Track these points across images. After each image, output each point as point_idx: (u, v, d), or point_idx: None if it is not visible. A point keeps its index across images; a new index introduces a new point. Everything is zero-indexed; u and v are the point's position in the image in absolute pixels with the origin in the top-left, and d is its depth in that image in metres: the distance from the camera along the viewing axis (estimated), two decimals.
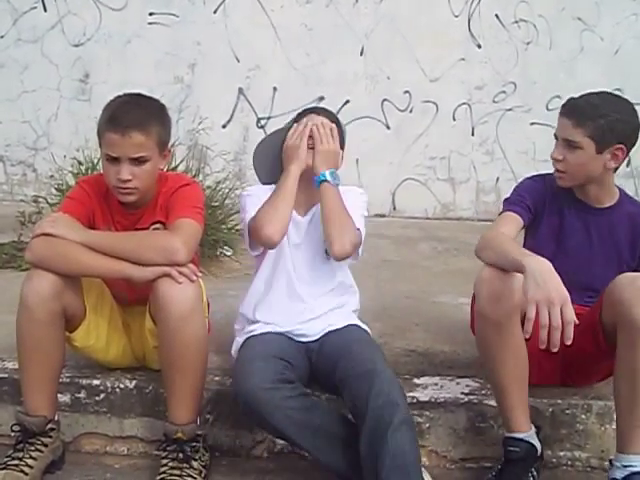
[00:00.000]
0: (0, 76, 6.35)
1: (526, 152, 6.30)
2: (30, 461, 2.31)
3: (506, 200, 2.61)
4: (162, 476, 2.30)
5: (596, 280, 2.53)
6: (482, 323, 2.28)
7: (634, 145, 2.45)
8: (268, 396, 2.18)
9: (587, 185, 2.51)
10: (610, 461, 2.30)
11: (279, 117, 6.23)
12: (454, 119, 6.44)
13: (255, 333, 2.53)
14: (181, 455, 2.33)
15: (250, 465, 2.50)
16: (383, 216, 6.36)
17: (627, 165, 6.46)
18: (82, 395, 2.62)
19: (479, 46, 6.35)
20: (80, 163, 4.43)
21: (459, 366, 2.82)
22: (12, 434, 2.40)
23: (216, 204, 4.62)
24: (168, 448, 2.35)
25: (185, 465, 2.32)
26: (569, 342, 1.98)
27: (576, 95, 2.46)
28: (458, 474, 2.57)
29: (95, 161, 4.27)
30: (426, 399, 2.59)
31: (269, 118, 6.33)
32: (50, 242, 2.29)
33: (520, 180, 2.70)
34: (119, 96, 2.44)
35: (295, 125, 2.60)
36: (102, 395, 2.62)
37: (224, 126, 6.34)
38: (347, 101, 6.20)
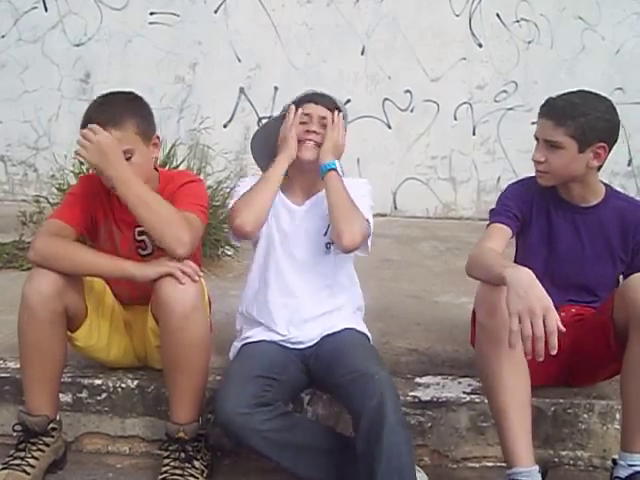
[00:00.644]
0: (1, 76, 6.35)
1: (527, 151, 6.16)
2: (32, 461, 2.31)
3: (492, 211, 2.59)
4: (164, 476, 2.30)
5: (592, 279, 2.54)
6: (481, 336, 2.25)
7: (615, 143, 2.42)
8: (243, 421, 2.15)
9: (570, 184, 2.48)
10: (613, 460, 2.29)
11: None
12: (455, 118, 6.44)
13: (250, 340, 2.52)
14: (183, 455, 2.33)
15: (251, 465, 2.49)
16: (384, 215, 6.35)
17: (628, 164, 6.47)
18: (84, 395, 2.62)
19: (480, 45, 6.35)
20: (81, 163, 4.42)
21: (461, 365, 2.82)
22: (14, 434, 2.40)
23: (217, 203, 4.62)
24: (170, 448, 2.35)
25: (187, 465, 2.32)
26: (554, 352, 1.96)
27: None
28: (460, 474, 2.57)
29: None
30: (428, 398, 2.59)
31: (270, 117, 6.30)
32: (53, 241, 2.30)
33: (504, 187, 2.69)
34: (94, 100, 2.44)
35: (289, 113, 2.60)
36: (104, 395, 2.62)
37: (225, 125, 6.34)
38: (348, 100, 6.19)
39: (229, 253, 4.51)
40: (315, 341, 2.51)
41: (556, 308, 2.01)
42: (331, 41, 6.26)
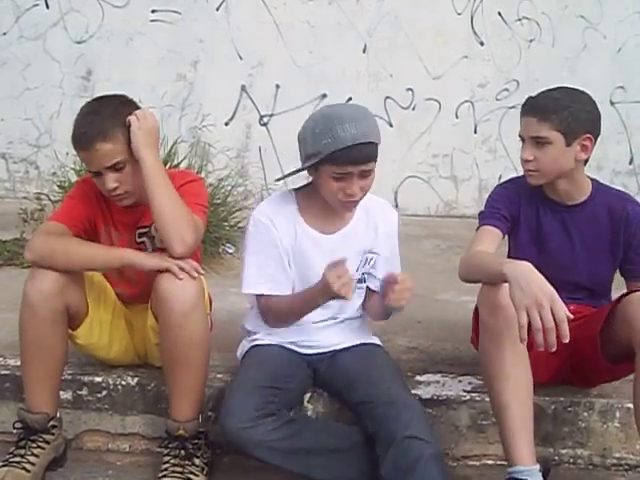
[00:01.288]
0: (2, 73, 6.34)
1: None
2: (32, 458, 2.31)
3: (481, 214, 2.59)
4: (164, 473, 2.30)
5: (585, 277, 2.54)
6: (484, 335, 2.25)
7: (599, 135, 2.43)
8: (247, 435, 2.13)
9: (557, 181, 2.47)
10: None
11: (282, 114, 6.23)
12: (457, 117, 6.43)
13: (259, 343, 2.50)
14: (183, 452, 2.33)
15: (252, 462, 2.48)
16: None
17: (630, 163, 6.45)
18: (84, 392, 2.63)
19: (482, 44, 6.34)
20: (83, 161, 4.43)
21: (461, 364, 2.82)
22: (14, 431, 2.40)
23: (218, 201, 4.63)
24: (170, 445, 2.35)
25: (187, 462, 2.32)
26: (566, 340, 1.95)
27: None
28: (460, 472, 2.57)
29: None
30: (428, 397, 2.59)
31: (272, 115, 6.32)
32: (49, 239, 2.30)
33: (492, 189, 2.69)
34: (82, 107, 2.40)
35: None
36: (104, 392, 2.62)
37: (227, 123, 6.34)
38: (349, 99, 6.18)
39: (230, 251, 4.52)
40: (326, 349, 2.49)
41: None
42: (333, 39, 6.25)
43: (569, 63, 6.30)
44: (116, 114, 2.33)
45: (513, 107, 6.29)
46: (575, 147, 2.39)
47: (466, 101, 6.42)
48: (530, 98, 2.45)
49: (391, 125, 6.36)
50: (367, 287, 2.53)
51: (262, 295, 2.40)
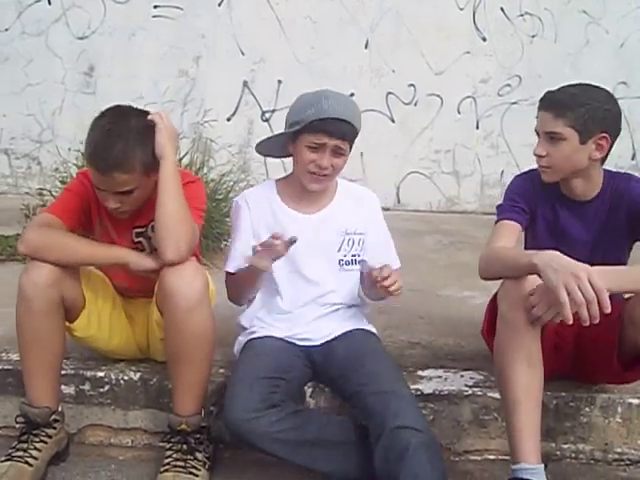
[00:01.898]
0: (5, 69, 6.35)
1: (531, 145, 6.11)
2: (34, 452, 2.32)
3: (499, 207, 2.57)
4: (166, 467, 2.30)
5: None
6: (502, 329, 2.23)
7: (618, 134, 2.40)
8: (252, 426, 2.14)
9: (573, 179, 2.45)
10: None
11: (284, 110, 6.19)
12: (459, 112, 6.44)
13: (255, 336, 2.51)
14: (185, 447, 2.33)
15: (253, 456, 2.49)
16: (387, 209, 6.34)
17: (632, 158, 6.46)
18: (86, 387, 2.63)
19: (484, 39, 6.34)
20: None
21: (463, 359, 2.82)
22: (16, 425, 2.41)
23: (220, 197, 4.62)
24: (172, 440, 2.35)
25: (189, 456, 2.32)
26: (608, 310, 1.93)
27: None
28: (462, 467, 2.57)
29: None
30: (430, 391, 2.59)
31: (273, 111, 6.33)
32: (44, 232, 2.30)
33: (510, 180, 2.66)
34: (101, 118, 2.32)
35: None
36: (106, 387, 2.62)
37: (229, 119, 6.34)
38: (352, 94, 6.17)
39: None
40: (323, 340, 2.50)
41: None
42: (335, 35, 6.26)
43: (571, 59, 6.29)
44: (139, 142, 2.26)
45: (515, 103, 6.30)
46: (590, 146, 2.34)
47: (468, 97, 6.42)
48: (548, 92, 2.41)
49: (393, 121, 6.37)
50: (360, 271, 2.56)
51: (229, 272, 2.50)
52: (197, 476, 2.29)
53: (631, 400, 2.59)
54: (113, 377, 2.62)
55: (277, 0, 6.25)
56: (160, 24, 6.25)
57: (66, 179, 4.55)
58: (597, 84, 2.42)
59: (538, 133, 2.44)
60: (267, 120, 6.34)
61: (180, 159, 4.54)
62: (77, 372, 2.63)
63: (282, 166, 6.10)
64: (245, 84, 6.35)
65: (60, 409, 2.45)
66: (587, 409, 2.60)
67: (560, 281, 1.97)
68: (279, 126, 6.33)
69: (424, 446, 2.10)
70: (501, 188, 6.33)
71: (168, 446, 2.35)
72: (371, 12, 6.26)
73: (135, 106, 2.40)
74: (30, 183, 6.25)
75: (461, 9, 6.29)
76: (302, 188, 2.48)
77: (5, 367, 2.65)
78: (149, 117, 2.34)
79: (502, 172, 6.38)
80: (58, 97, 6.35)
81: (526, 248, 2.62)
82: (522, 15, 6.32)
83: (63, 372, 2.51)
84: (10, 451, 2.32)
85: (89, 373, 2.63)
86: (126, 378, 2.62)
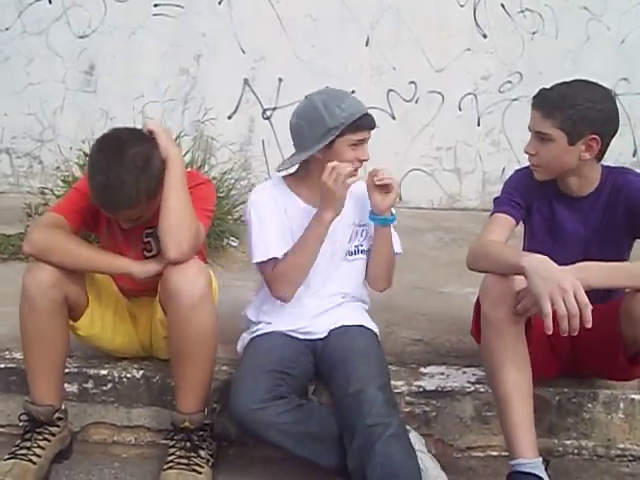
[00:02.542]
0: (5, 68, 6.34)
1: None
2: (38, 450, 2.33)
3: (496, 199, 2.58)
4: (169, 465, 2.31)
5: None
6: (486, 328, 2.25)
7: (614, 133, 2.36)
8: (258, 416, 2.16)
9: (566, 178, 2.44)
10: None
11: (284, 108, 6.22)
12: (460, 109, 6.42)
13: (260, 332, 2.53)
14: (188, 444, 2.34)
15: (257, 454, 2.50)
16: None
17: (634, 155, 6.45)
18: (90, 385, 2.64)
19: (485, 36, 6.33)
20: (86, 155, 4.43)
21: (465, 355, 2.83)
22: (20, 424, 2.41)
23: (222, 195, 4.63)
24: (176, 437, 2.36)
25: (192, 454, 2.33)
26: (589, 325, 1.95)
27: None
28: (464, 463, 2.58)
29: None
30: (432, 388, 2.60)
31: (274, 109, 6.32)
32: (50, 234, 2.30)
33: (510, 174, 2.67)
34: (98, 152, 2.27)
35: (335, 163, 2.35)
36: (109, 385, 2.63)
37: (230, 117, 6.33)
38: (352, 92, 6.15)
39: (234, 244, 4.53)
40: (326, 333, 2.52)
41: None
42: (335, 32, 6.24)
43: (572, 55, 6.28)
44: (140, 173, 2.23)
45: (516, 99, 6.29)
46: (579, 147, 2.33)
47: (469, 94, 6.41)
48: (542, 90, 2.39)
49: (394, 118, 6.35)
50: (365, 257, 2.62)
51: (269, 262, 2.45)
52: (200, 473, 2.30)
53: (634, 396, 2.59)
54: (116, 375, 2.63)
55: None
56: (160, 23, 6.23)
57: (68, 178, 4.56)
58: (595, 81, 2.39)
59: (530, 130, 2.43)
60: (268, 118, 6.33)
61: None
62: (80, 370, 2.64)
63: None
64: (246, 82, 6.34)
65: (63, 407, 2.46)
66: (590, 405, 2.60)
67: (546, 291, 1.99)
68: (280, 124, 6.35)
69: (393, 437, 2.13)
70: (502, 185, 6.32)
71: (171, 444, 2.36)
72: (371, 10, 6.24)
73: (126, 126, 2.38)
74: (32, 182, 6.24)
75: (462, 6, 6.28)
76: (312, 185, 2.50)
77: (9, 366, 2.66)
78: (145, 129, 2.35)
79: (504, 169, 6.36)
80: (59, 96, 6.34)
81: (524, 243, 2.63)
82: (523, 11, 6.30)
83: (66, 370, 2.52)
84: (14, 449, 2.33)
85: (92, 371, 2.64)
86: (129, 376, 2.63)
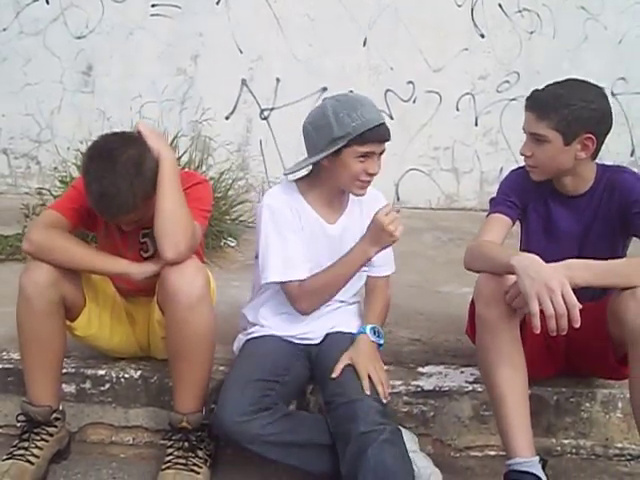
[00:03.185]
0: (3, 69, 6.33)
1: None
2: (36, 451, 2.32)
3: (492, 200, 2.59)
4: (167, 465, 2.31)
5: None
6: (480, 328, 2.25)
7: (608, 131, 2.35)
8: (242, 429, 2.15)
9: (562, 177, 2.44)
10: None
11: (282, 108, 6.23)
12: (458, 109, 6.42)
13: (255, 335, 2.51)
14: (186, 444, 2.34)
15: (255, 454, 2.50)
16: None
17: (631, 155, 6.45)
18: (87, 385, 2.63)
19: (482, 36, 6.33)
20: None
21: (463, 355, 2.83)
22: (18, 424, 2.41)
23: (219, 195, 4.63)
24: (174, 437, 2.36)
25: (190, 454, 2.33)
26: (577, 325, 1.96)
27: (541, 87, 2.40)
28: (462, 462, 2.58)
29: None
30: (430, 388, 2.60)
31: (272, 109, 6.31)
32: (49, 233, 2.30)
33: (505, 174, 2.66)
34: (91, 162, 2.26)
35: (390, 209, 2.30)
36: (107, 385, 2.63)
37: (227, 117, 6.33)
38: (350, 92, 6.18)
39: (232, 244, 4.53)
40: (321, 338, 2.52)
41: None
42: (333, 32, 6.24)
43: (570, 55, 6.28)
44: (134, 178, 2.22)
45: (514, 99, 6.29)
46: (575, 146, 2.33)
47: (467, 93, 6.41)
48: (535, 91, 2.39)
49: (392, 118, 6.35)
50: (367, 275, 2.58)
51: (287, 282, 2.39)
52: (198, 474, 2.30)
53: None
54: (114, 375, 2.63)
55: None
56: (158, 23, 6.23)
57: (65, 178, 4.56)
58: (587, 80, 2.39)
59: (525, 131, 2.42)
60: (266, 118, 6.33)
61: (179, 157, 4.54)
62: (78, 370, 2.64)
63: (281, 164, 6.13)
64: (243, 82, 6.34)
65: (61, 407, 2.46)
66: (588, 404, 2.60)
67: (533, 291, 1.99)
68: (278, 124, 6.34)
69: (387, 442, 2.11)
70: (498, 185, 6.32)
71: (169, 444, 2.36)
72: (369, 9, 6.24)
73: (114, 132, 2.37)
74: (29, 183, 6.24)
75: (459, 6, 6.28)
76: (329, 195, 2.46)
77: (6, 366, 2.66)
78: (136, 130, 2.35)
79: (501, 169, 6.37)
80: (57, 96, 6.34)
81: (520, 242, 2.63)
82: (520, 11, 6.30)
83: (64, 371, 2.52)
84: (11, 450, 2.33)
85: (90, 371, 2.64)
86: (127, 376, 2.63)
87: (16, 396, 2.58)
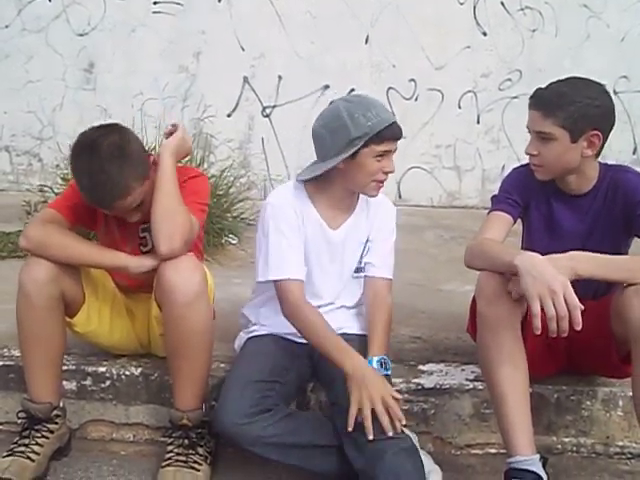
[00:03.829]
0: (5, 66, 6.34)
1: None
2: (36, 447, 2.33)
3: (493, 197, 2.58)
4: (168, 462, 2.31)
5: None
6: (481, 326, 2.25)
7: (611, 128, 2.35)
8: (243, 431, 2.14)
9: (567, 176, 2.43)
10: None
11: (284, 106, 6.22)
12: (460, 107, 6.41)
13: (256, 333, 2.51)
14: (187, 441, 2.34)
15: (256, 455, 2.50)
16: None
17: (634, 153, 6.44)
18: (88, 382, 2.64)
19: (484, 34, 6.32)
20: None
21: (464, 353, 2.83)
22: (18, 421, 2.41)
23: (221, 192, 4.63)
24: (174, 434, 2.36)
25: (191, 451, 2.33)
26: (579, 327, 1.96)
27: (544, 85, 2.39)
28: (463, 460, 2.58)
29: None
30: (431, 386, 2.60)
31: (274, 107, 6.31)
32: (46, 229, 2.31)
33: (507, 172, 2.65)
34: (77, 160, 2.27)
35: None
36: (108, 382, 2.63)
37: (229, 115, 6.33)
38: (352, 90, 6.17)
39: (233, 242, 4.53)
40: None
41: None
42: (335, 30, 6.23)
43: (572, 53, 6.27)
44: (121, 161, 2.23)
45: (516, 97, 6.28)
46: (581, 143, 2.31)
47: (469, 91, 6.40)
48: (538, 90, 2.37)
49: (394, 116, 6.35)
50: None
51: (282, 280, 2.33)
52: (198, 471, 2.30)
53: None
54: (114, 372, 2.63)
55: None
56: (160, 20, 6.23)
57: (67, 176, 4.56)
58: (588, 77, 2.39)
59: (530, 130, 2.41)
60: (267, 116, 6.32)
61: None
62: (78, 367, 2.64)
63: (283, 161, 6.13)
64: (245, 80, 6.34)
65: (62, 404, 2.46)
66: (588, 402, 2.60)
67: (535, 292, 1.99)
68: (280, 122, 6.35)
69: (404, 451, 2.10)
70: (500, 183, 6.31)
71: (169, 441, 2.36)
72: (371, 7, 6.23)
73: (91, 126, 2.35)
74: (31, 180, 6.25)
75: (461, 4, 6.27)
76: (338, 198, 2.43)
77: (7, 363, 2.66)
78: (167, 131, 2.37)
79: (503, 167, 6.36)
80: (59, 94, 6.34)
81: (522, 241, 2.63)
82: (522, 9, 6.29)
83: (65, 368, 2.53)
84: (12, 446, 2.34)
85: (90, 368, 2.64)
86: (127, 373, 2.63)
87: (17, 393, 2.59)
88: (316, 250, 2.43)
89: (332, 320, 2.48)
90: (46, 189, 4.66)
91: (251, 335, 2.51)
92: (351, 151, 2.27)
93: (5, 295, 2.72)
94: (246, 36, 6.26)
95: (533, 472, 2.13)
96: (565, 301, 1.96)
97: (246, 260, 4.14)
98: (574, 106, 2.27)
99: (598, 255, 2.15)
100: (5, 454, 2.31)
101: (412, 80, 6.36)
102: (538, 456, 2.18)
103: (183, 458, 2.31)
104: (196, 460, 2.32)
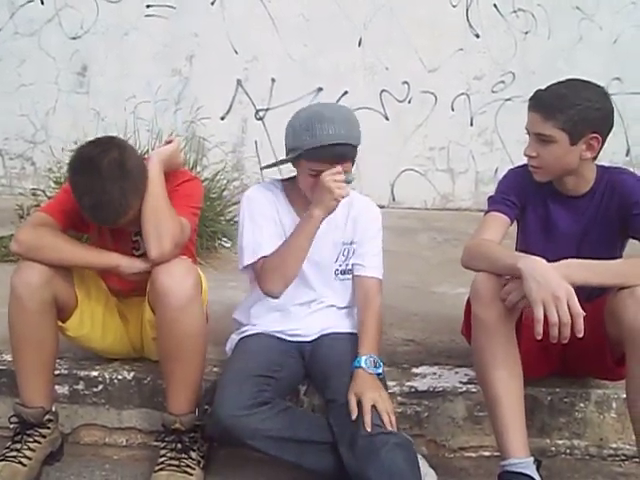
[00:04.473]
0: None
1: (525, 142, 6.16)
2: (28, 452, 2.32)
3: (490, 198, 2.57)
4: (160, 467, 2.30)
5: None
6: (476, 328, 2.24)
7: (610, 131, 2.35)
8: (242, 423, 2.14)
9: (564, 177, 2.43)
10: None
11: (277, 108, 6.22)
12: (453, 109, 6.43)
13: (248, 333, 2.51)
14: (179, 445, 2.33)
15: (247, 455, 2.49)
16: (382, 207, 6.24)
17: (627, 155, 6.46)
18: (80, 386, 2.63)
19: (477, 36, 6.34)
20: None
21: (457, 355, 2.82)
22: (10, 426, 2.40)
23: (214, 196, 4.62)
24: (166, 439, 2.35)
25: (183, 455, 2.32)
26: (580, 335, 1.96)
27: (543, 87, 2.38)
28: (457, 463, 2.58)
29: None
30: (424, 388, 2.59)
31: (267, 109, 6.32)
32: (37, 232, 2.30)
33: (504, 173, 2.65)
34: (76, 175, 2.26)
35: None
36: (100, 386, 2.62)
37: (222, 118, 6.33)
38: (345, 92, 6.19)
39: (226, 245, 4.52)
40: (314, 337, 2.50)
41: None
42: (328, 32, 6.24)
43: (565, 55, 6.28)
44: (122, 181, 2.21)
45: (509, 99, 6.30)
46: (580, 146, 2.31)
47: (462, 94, 6.42)
48: (538, 91, 2.36)
49: (387, 118, 6.36)
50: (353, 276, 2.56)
51: (257, 262, 2.41)
52: (191, 475, 2.29)
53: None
54: (107, 377, 2.62)
55: None
56: (153, 23, 6.24)
57: (60, 179, 4.55)
58: (588, 80, 2.38)
59: (528, 132, 2.41)
60: (261, 119, 6.33)
61: None
62: (71, 372, 2.63)
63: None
64: (239, 83, 6.34)
65: (54, 409, 2.45)
66: (582, 405, 2.60)
67: (539, 297, 1.99)
68: (273, 125, 6.35)
69: (398, 447, 2.10)
70: (495, 185, 6.30)
71: (162, 445, 2.35)
72: (364, 9, 6.25)
73: (89, 140, 2.35)
74: (24, 183, 6.24)
75: (454, 6, 6.29)
76: (305, 195, 2.45)
77: None
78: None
79: (496, 169, 6.37)
80: (51, 97, 6.34)
81: (517, 241, 2.62)
82: (515, 11, 6.31)
83: (57, 372, 2.52)
84: (4, 451, 2.33)
85: (83, 373, 2.63)
86: (120, 377, 2.62)
87: (9, 398, 2.57)
88: None
89: (323, 319, 2.50)
90: (39, 193, 4.65)
91: (243, 335, 2.52)
92: (287, 158, 2.36)
93: None
94: (239, 39, 6.26)
95: (527, 475, 2.12)
96: (568, 308, 1.97)
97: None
98: (574, 109, 2.27)
99: (592, 262, 2.14)
100: None
101: (405, 82, 6.37)
102: (532, 459, 2.17)
103: (176, 462, 2.30)
104: (189, 464, 2.31)
